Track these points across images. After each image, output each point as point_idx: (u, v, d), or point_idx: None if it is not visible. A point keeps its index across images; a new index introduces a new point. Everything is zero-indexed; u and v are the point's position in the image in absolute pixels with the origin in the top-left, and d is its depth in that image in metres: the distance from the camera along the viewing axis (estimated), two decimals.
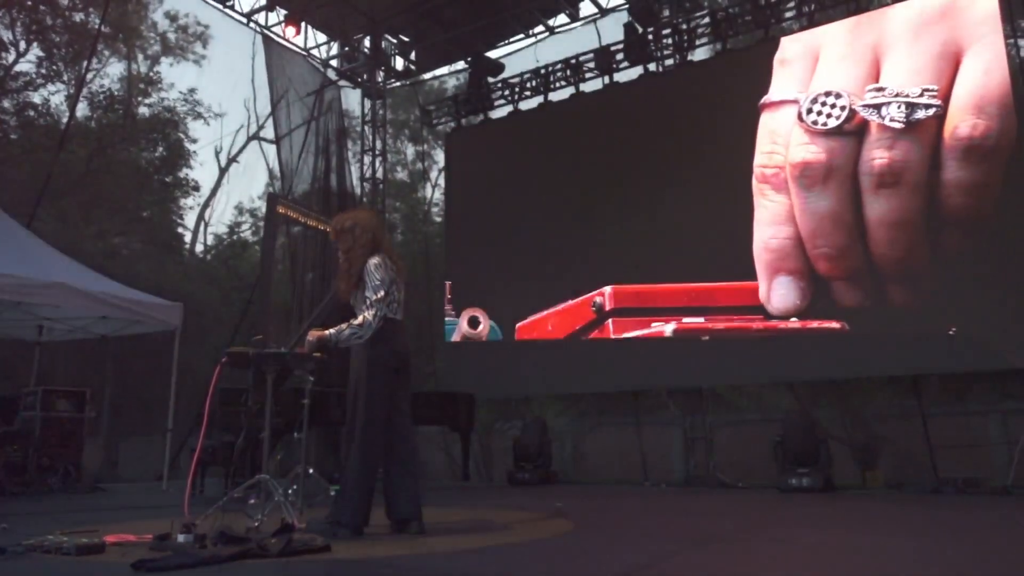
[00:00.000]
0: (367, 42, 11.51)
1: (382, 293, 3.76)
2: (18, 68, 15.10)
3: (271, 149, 18.97)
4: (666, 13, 9.52)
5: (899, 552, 3.26)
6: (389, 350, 3.82)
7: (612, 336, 8.68)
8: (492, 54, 10.84)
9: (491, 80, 10.66)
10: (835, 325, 7.39)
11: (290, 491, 3.94)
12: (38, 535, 3.23)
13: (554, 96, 10.07)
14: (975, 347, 6.72)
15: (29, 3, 14.70)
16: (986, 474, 7.24)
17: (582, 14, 10.28)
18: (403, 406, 3.96)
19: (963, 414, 9.79)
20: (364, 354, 3.79)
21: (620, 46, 9.45)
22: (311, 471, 4.48)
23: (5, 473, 6.94)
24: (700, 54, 9.35)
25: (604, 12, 9.90)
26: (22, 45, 15.08)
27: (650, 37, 9.31)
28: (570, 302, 9.11)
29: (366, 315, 3.73)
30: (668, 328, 8.28)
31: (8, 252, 7.01)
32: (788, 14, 8.59)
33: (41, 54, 15.23)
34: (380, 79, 11.84)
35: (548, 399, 12.44)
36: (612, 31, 9.67)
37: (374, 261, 3.82)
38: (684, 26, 9.13)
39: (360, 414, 3.75)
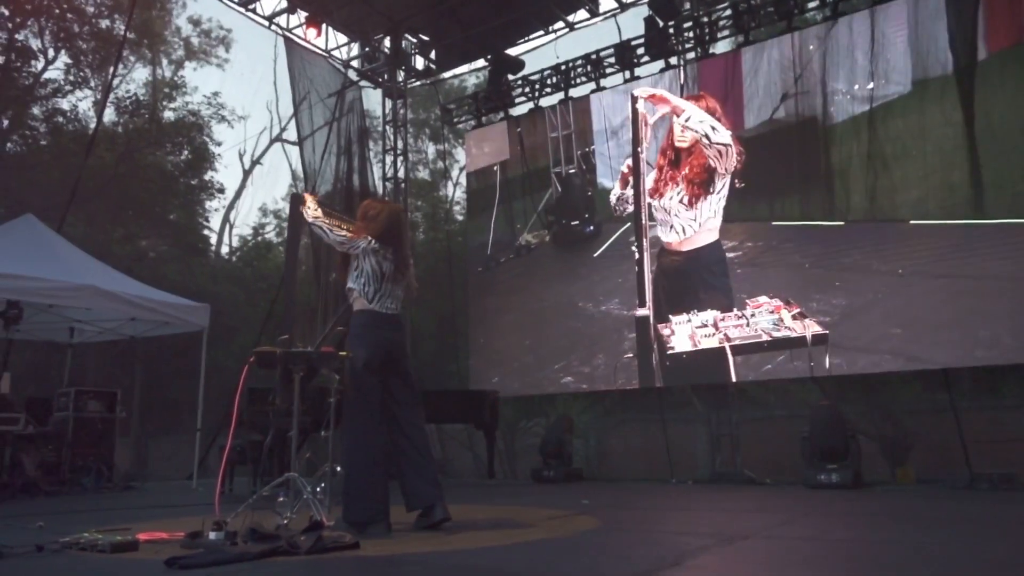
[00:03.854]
0: (387, 42, 11.56)
1: (344, 242, 3.94)
2: (47, 75, 15.42)
3: (294, 151, 19.19)
4: (687, 6, 9.43)
5: (933, 549, 3.21)
6: (368, 347, 3.83)
7: None
8: (512, 51, 10.82)
9: (511, 77, 10.65)
10: None
11: (318, 489, 3.98)
12: (73, 533, 3.29)
13: (575, 92, 10.04)
14: (1008, 340, 6.57)
15: (57, 11, 14.97)
16: (1021, 470, 7.09)
17: (602, 9, 10.21)
18: (402, 398, 3.96)
19: (997, 408, 9.60)
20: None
21: (640, 40, 9.39)
22: (338, 469, 4.51)
23: (41, 473, 7.09)
24: (722, 47, 9.27)
25: (624, 7, 9.83)
26: (50, 53, 15.38)
27: (671, 31, 9.24)
28: None
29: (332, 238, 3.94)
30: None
31: (40, 256, 7.15)
32: (811, 4, 8.46)
33: (69, 61, 15.53)
34: (400, 79, 11.87)
35: (572, 396, 12.41)
36: (632, 25, 9.63)
37: (363, 244, 3.92)
38: (705, 19, 9.05)
39: (344, 416, 3.81)
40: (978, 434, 7.40)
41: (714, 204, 7.58)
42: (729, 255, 7.95)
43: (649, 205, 7.89)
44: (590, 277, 9.28)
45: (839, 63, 7.70)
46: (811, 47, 7.89)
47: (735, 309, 7.78)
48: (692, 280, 7.86)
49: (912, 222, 7.14)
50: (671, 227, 7.80)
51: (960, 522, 4.24)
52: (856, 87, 7.55)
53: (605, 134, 9.40)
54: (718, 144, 7.25)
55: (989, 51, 6.91)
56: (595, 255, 9.27)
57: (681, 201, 7.64)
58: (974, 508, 4.91)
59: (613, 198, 8.11)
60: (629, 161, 7.83)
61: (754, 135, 7.99)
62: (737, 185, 7.62)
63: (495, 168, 10.52)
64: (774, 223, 7.89)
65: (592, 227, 9.37)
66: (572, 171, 9.71)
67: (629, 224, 8.20)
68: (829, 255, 7.50)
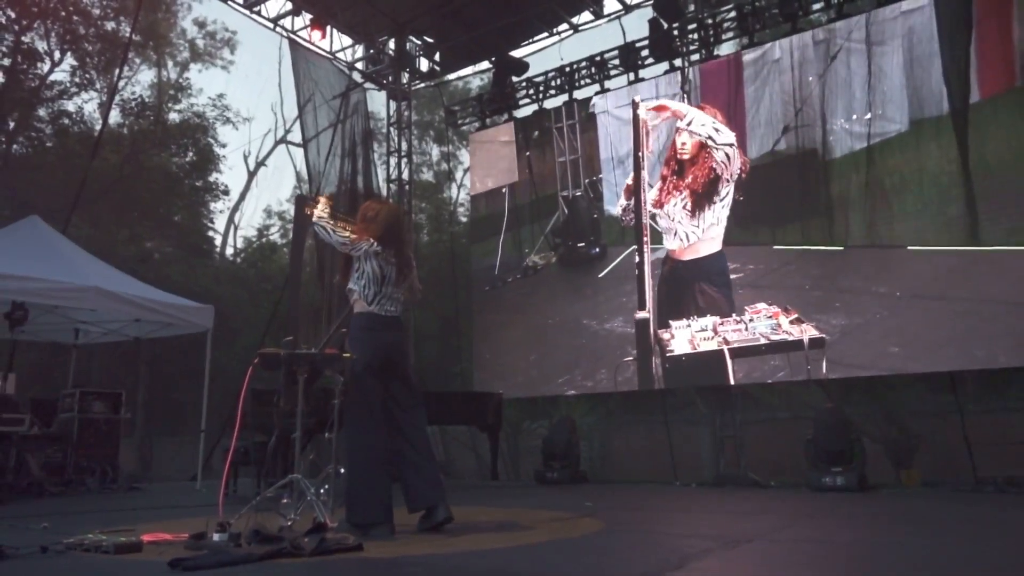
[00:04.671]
0: (391, 44, 11.57)
1: (346, 244, 3.92)
2: (53, 78, 15.49)
3: (298, 152, 19.27)
4: (691, 8, 9.43)
5: (937, 552, 3.20)
6: (367, 349, 3.85)
7: None
8: (516, 53, 10.83)
9: (515, 79, 10.66)
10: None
11: (322, 490, 3.97)
12: (78, 534, 3.29)
13: (579, 94, 10.04)
14: (1004, 359, 6.59)
15: (63, 14, 15.04)
16: None
17: (606, 11, 10.22)
18: (403, 400, 3.97)
19: (1003, 411, 9.58)
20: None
21: (645, 42, 9.39)
22: (342, 470, 4.51)
23: (45, 473, 7.10)
24: (726, 48, 9.26)
25: (628, 8, 9.84)
26: (56, 55, 15.45)
27: (675, 33, 9.23)
28: None
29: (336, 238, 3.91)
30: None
31: (44, 258, 7.16)
32: (816, 6, 8.45)
33: (75, 63, 15.60)
34: (405, 81, 11.89)
35: (575, 398, 12.41)
36: (637, 27, 9.63)
37: (365, 247, 3.92)
38: (709, 21, 9.05)
39: (345, 419, 3.82)
40: (983, 437, 7.38)
41: (717, 212, 7.61)
42: (731, 276, 8.00)
43: (654, 215, 7.93)
44: (595, 297, 9.32)
45: (837, 95, 7.81)
46: (810, 79, 7.97)
47: (734, 315, 7.81)
48: (693, 288, 7.92)
49: (910, 248, 7.23)
50: (675, 234, 7.83)
51: (965, 525, 4.22)
52: (855, 117, 7.65)
53: (612, 162, 9.43)
54: (724, 145, 7.27)
55: (982, 95, 7.05)
56: (600, 276, 9.32)
57: (684, 208, 7.68)
58: (979, 511, 4.89)
59: (619, 209, 8.22)
60: (631, 175, 7.93)
61: (756, 165, 8.07)
62: (739, 198, 7.66)
63: (503, 190, 10.55)
64: (775, 247, 7.96)
65: (598, 249, 9.41)
66: (579, 194, 9.73)
67: (634, 247, 8.25)
68: (829, 277, 7.61)
